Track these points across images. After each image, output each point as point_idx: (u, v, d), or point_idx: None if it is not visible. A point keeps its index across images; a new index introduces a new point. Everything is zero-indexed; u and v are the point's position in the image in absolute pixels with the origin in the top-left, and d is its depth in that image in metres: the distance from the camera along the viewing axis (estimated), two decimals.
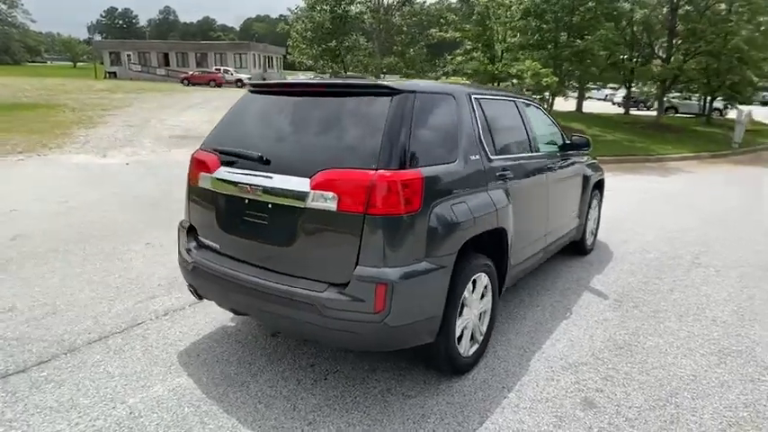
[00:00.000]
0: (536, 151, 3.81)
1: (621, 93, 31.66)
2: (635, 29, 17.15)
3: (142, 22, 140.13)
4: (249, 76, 43.57)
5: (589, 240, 5.18)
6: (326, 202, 2.36)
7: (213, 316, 3.58)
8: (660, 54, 17.26)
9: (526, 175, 3.48)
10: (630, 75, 20.28)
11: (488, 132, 3.12)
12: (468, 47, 19.62)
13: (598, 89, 32.82)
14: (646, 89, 21.86)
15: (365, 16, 21.03)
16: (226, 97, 27.79)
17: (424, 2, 22.49)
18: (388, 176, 2.29)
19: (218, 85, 38.70)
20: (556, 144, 4.32)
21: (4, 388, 2.68)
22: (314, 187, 2.39)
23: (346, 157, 2.42)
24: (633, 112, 24.65)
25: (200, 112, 19.51)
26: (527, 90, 18.24)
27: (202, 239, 2.98)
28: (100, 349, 3.10)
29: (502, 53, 18.01)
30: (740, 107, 18.83)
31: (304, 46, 22.75)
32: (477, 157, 2.91)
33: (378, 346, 2.58)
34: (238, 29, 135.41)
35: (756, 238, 5.95)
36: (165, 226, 5.58)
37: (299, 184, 2.44)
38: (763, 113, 23.93)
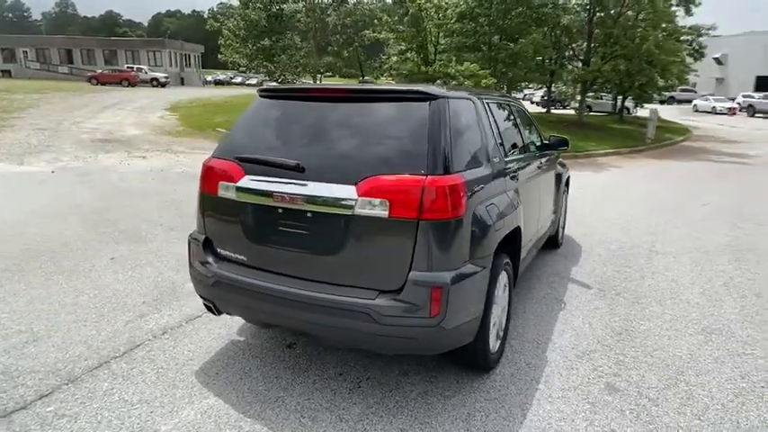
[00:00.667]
0: (529, 151, 4.00)
1: (540, 92, 33.67)
2: (558, 32, 18.32)
3: (35, 15, 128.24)
4: (166, 75, 41.31)
5: (561, 234, 5.50)
6: (377, 209, 2.34)
7: (217, 332, 3.41)
8: (580, 57, 18.61)
9: (525, 175, 3.64)
10: (551, 76, 21.68)
11: (500, 134, 3.24)
12: (403, 47, 19.97)
13: (520, 89, 34.59)
14: (564, 89, 23.39)
15: (299, 15, 20.62)
16: (146, 96, 26.27)
17: (359, 1, 22.55)
18: (439, 182, 2.32)
19: (132, 85, 36.38)
20: (535, 143, 4.55)
21: (11, 428, 2.39)
22: (362, 194, 2.36)
23: (391, 163, 2.41)
24: (552, 110, 26.32)
25: (121, 114, 18.28)
26: None
27: (223, 252, 2.83)
28: (105, 376, 2.85)
29: (436, 54, 18.51)
30: (649, 106, 20.80)
31: (237, 44, 21.92)
32: (498, 159, 3.01)
33: (431, 350, 2.59)
34: (146, 24, 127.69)
35: (692, 225, 6.62)
36: (125, 238, 5.23)
37: (345, 191, 2.40)
38: (663, 111, 26.50)
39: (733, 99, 34.10)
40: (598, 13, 17.71)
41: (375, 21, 18.47)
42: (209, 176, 2.82)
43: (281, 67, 17.22)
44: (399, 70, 18.91)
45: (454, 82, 16.45)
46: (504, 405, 2.70)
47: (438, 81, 14.05)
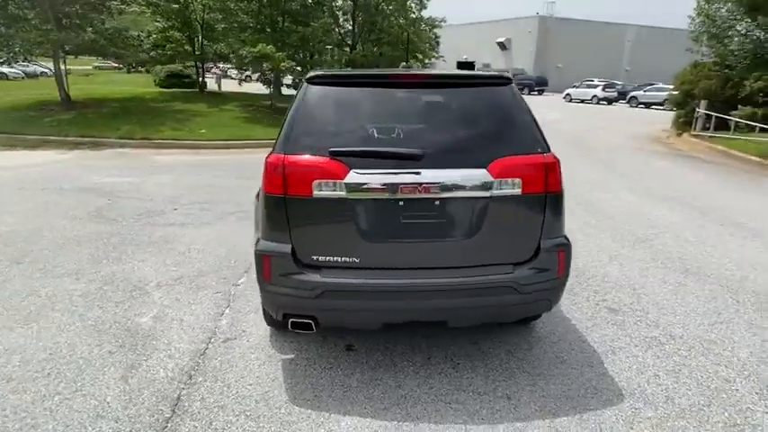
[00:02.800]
0: None
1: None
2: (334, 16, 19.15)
3: None
4: None
5: None
6: (511, 188, 2.53)
7: (252, 356, 3.01)
8: (347, 41, 19.93)
9: None
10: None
11: None
12: (161, 24, 17.88)
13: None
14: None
15: None
16: None
17: None
18: (552, 159, 2.64)
19: None
20: None
21: None
22: (497, 176, 2.51)
23: (508, 144, 2.61)
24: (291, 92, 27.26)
25: None
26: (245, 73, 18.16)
27: (324, 259, 2.54)
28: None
29: (203, 32, 17.21)
30: None
31: None
32: None
33: (552, 307, 2.88)
34: None
35: None
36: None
37: (479, 175, 2.50)
38: None
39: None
40: (360, 0, 19.26)
41: None
42: (298, 176, 2.49)
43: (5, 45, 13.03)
44: (166, 51, 16.90)
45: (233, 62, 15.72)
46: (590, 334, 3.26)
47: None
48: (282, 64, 13.39)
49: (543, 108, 27.81)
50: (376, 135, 2.61)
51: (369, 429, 2.42)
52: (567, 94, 33.69)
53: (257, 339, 3.24)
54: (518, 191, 2.55)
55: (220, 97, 18.91)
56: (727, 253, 5.02)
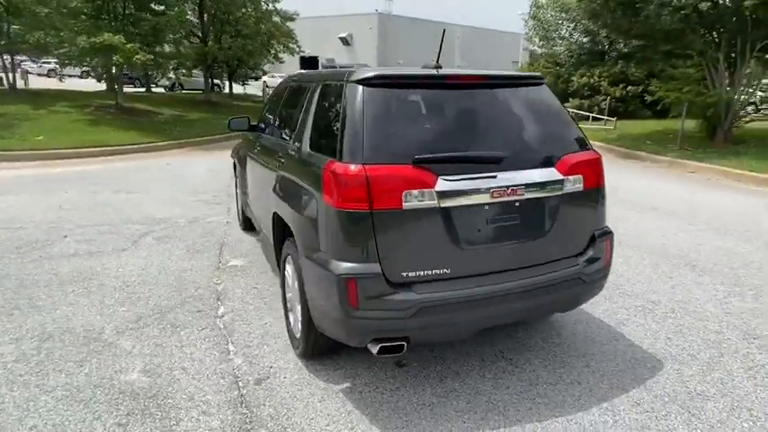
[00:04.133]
0: None
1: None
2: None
3: None
4: None
5: None
6: (576, 184, 2.65)
7: (301, 383, 2.70)
8: (199, 34, 18.33)
9: None
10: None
11: None
12: None
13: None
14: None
15: None
16: None
17: None
18: (599, 156, 2.83)
19: None
20: None
21: None
22: (565, 173, 2.60)
23: (562, 143, 2.73)
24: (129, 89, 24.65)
25: None
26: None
27: (413, 274, 2.36)
28: None
29: (9, 16, 14.27)
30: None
31: None
32: None
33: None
34: None
35: None
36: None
37: (551, 173, 2.57)
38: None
39: None
40: None
41: None
42: (386, 188, 2.27)
43: None
44: None
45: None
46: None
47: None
48: (137, 57, 11.80)
49: None
50: (448, 139, 2.51)
51: None
52: None
53: (295, 373, 2.89)
54: (580, 186, 2.68)
55: (42, 96, 16.04)
56: (630, 227, 5.90)
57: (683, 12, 9.42)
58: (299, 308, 2.94)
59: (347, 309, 2.32)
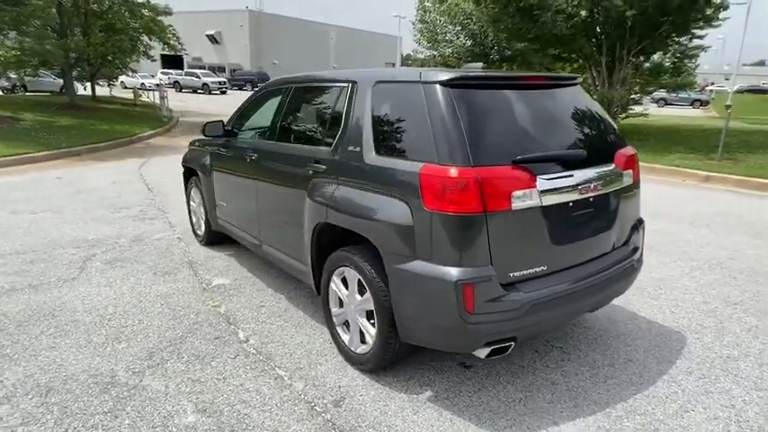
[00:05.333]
0: None
1: None
2: None
3: None
4: None
5: None
6: (628, 178, 2.91)
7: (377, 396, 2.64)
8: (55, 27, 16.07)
9: None
10: None
11: None
12: None
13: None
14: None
15: None
16: None
17: None
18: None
19: None
20: None
21: None
22: (623, 168, 2.84)
23: (608, 137, 2.97)
24: None
25: None
26: None
27: (519, 273, 2.41)
28: None
29: None
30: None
31: None
32: None
33: None
34: None
35: None
36: None
37: (614, 169, 2.78)
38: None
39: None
40: None
41: None
42: (498, 190, 2.29)
43: None
44: None
45: None
46: None
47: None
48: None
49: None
50: (531, 138, 2.59)
51: (593, 429, 2.48)
52: None
53: (370, 389, 2.77)
54: (630, 180, 2.93)
55: None
56: None
57: (575, 19, 10.58)
58: (362, 321, 2.83)
59: (464, 315, 2.30)
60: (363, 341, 2.89)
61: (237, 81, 41.49)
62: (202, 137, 4.61)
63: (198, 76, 37.09)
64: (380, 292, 2.64)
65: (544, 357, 3.11)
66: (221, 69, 46.61)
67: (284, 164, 3.47)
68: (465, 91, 2.50)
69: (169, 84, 35.48)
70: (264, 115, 4.08)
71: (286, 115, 3.66)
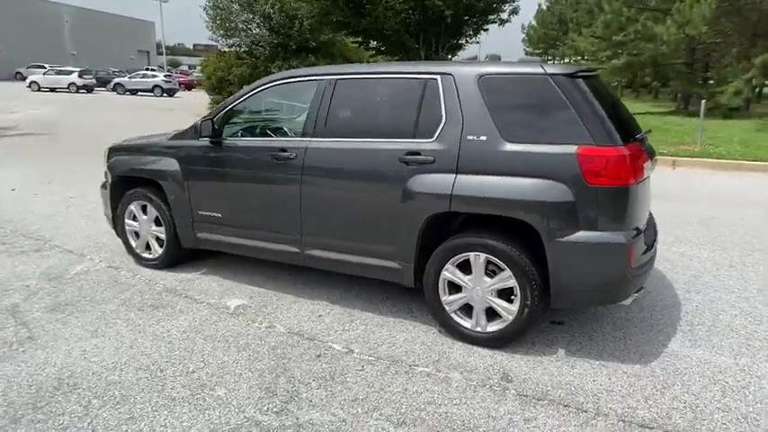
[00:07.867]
0: None
1: None
2: None
3: None
4: None
5: None
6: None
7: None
8: None
9: None
10: None
11: None
12: None
13: None
14: None
15: None
16: None
17: None
18: None
19: None
20: None
21: None
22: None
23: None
24: None
25: None
26: None
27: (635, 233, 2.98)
28: None
29: None
30: None
31: None
32: None
33: None
34: None
35: None
36: None
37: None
38: None
39: None
40: None
41: None
42: (638, 164, 2.84)
43: None
44: None
45: None
46: None
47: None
48: None
49: (13, 102, 23.07)
50: (614, 121, 3.12)
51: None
52: (34, 82, 29.28)
53: (518, 359, 3.01)
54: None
55: None
56: None
57: (402, 15, 11.69)
58: (495, 300, 3.05)
59: (627, 270, 2.79)
60: (491, 320, 3.12)
61: None
62: (147, 140, 4.00)
63: None
64: (526, 267, 2.92)
65: (603, 318, 3.60)
66: None
67: (354, 160, 3.36)
68: (587, 81, 2.95)
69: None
70: (275, 113, 3.79)
71: (334, 110, 3.50)
